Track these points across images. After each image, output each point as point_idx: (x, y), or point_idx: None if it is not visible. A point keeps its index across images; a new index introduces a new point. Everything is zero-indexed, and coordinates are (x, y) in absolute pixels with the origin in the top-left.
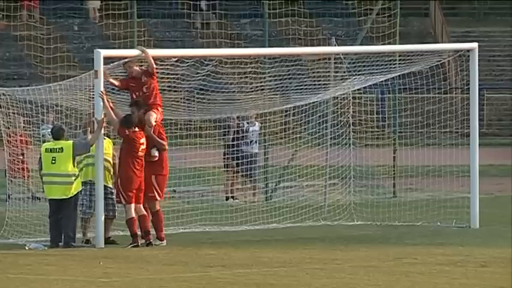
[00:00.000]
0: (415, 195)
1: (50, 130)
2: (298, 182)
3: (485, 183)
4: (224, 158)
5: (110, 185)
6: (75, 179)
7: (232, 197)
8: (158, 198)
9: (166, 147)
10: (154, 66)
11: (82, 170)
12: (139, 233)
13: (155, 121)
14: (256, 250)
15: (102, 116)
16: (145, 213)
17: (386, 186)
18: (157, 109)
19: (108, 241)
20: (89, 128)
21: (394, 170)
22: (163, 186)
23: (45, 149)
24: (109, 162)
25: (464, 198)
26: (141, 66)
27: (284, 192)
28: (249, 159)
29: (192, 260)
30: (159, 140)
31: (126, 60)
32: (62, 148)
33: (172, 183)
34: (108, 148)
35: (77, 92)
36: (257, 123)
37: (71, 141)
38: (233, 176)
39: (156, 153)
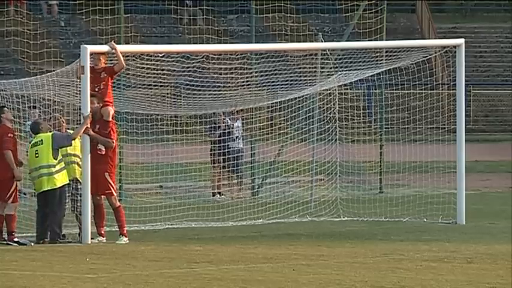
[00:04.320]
0: (402, 191)
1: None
2: (285, 177)
3: (471, 179)
4: (211, 154)
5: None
6: (56, 172)
7: (219, 193)
8: (114, 193)
9: (112, 144)
10: (124, 65)
11: (69, 165)
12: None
13: (112, 117)
14: (242, 246)
15: (89, 112)
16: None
17: (373, 182)
18: (112, 106)
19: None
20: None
21: (380, 166)
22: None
23: (31, 144)
24: (79, 157)
25: (451, 194)
26: (112, 61)
27: (270, 188)
28: (234, 155)
29: (178, 256)
30: (103, 138)
31: (101, 52)
32: (42, 140)
33: (158, 179)
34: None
35: (63, 87)
36: (240, 119)
37: (50, 133)
38: (220, 172)
39: (103, 148)
